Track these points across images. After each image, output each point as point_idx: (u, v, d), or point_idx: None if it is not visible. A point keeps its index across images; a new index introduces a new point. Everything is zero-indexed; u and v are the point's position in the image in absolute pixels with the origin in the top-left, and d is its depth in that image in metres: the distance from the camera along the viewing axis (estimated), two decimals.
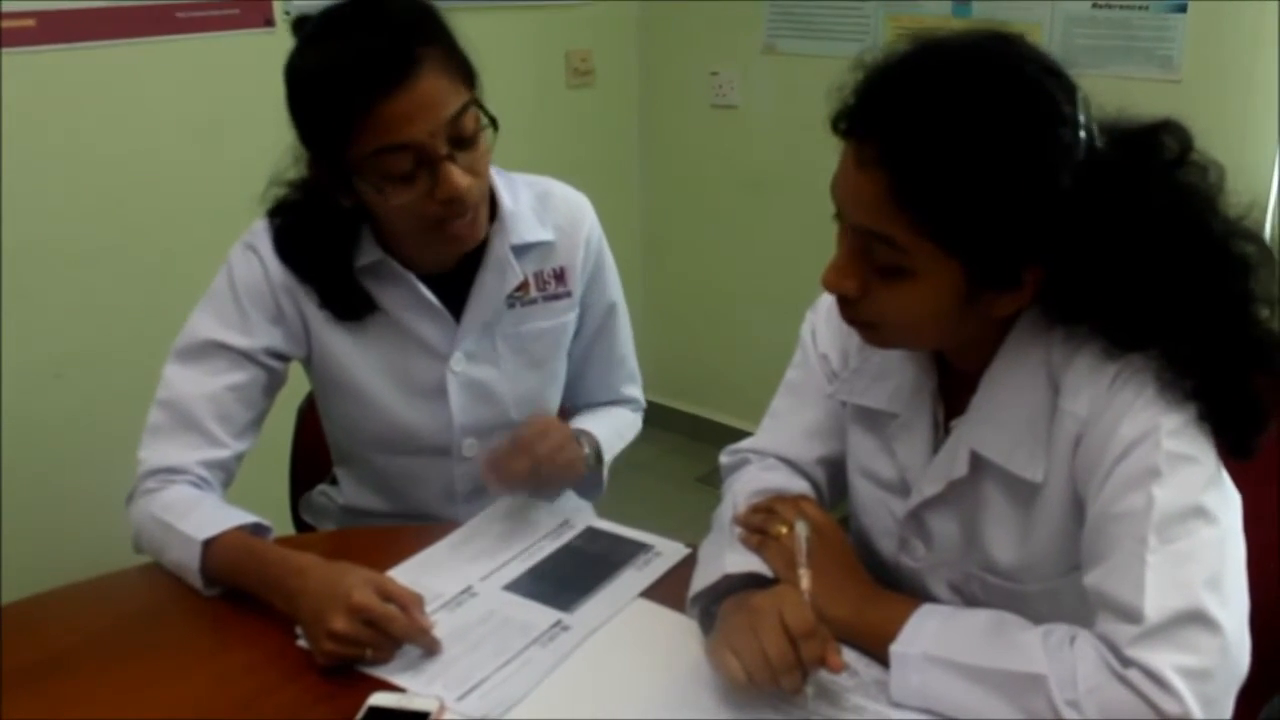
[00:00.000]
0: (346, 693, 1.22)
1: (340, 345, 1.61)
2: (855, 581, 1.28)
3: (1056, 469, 1.15)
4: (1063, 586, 1.19)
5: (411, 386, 1.63)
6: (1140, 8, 2.76)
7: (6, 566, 2.47)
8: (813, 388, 1.44)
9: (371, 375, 1.62)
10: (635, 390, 1.88)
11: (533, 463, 1.49)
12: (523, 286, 1.65)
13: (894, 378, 1.31)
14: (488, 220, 1.57)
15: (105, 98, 2.60)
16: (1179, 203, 1.09)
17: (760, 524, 1.32)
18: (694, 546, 1.48)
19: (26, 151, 2.47)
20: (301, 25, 1.45)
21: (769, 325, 3.55)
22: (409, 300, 1.59)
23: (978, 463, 1.21)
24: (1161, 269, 1.08)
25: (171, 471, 1.51)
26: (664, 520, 1.77)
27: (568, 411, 1.86)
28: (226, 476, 1.57)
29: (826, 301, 1.44)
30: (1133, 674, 1.02)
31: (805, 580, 1.20)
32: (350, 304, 1.58)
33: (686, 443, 3.85)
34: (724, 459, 1.52)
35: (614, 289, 1.78)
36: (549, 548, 1.53)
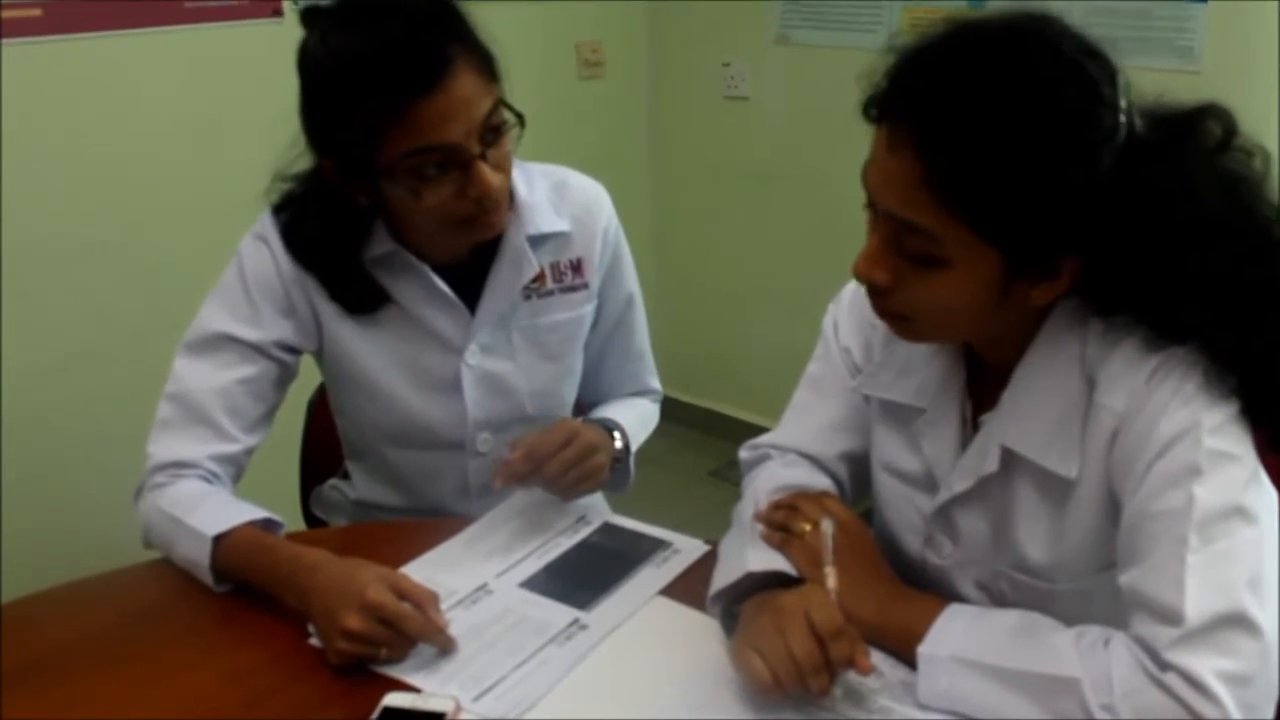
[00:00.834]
0: (360, 692, 1.21)
1: (352, 338, 1.58)
2: (881, 581, 1.25)
3: (1091, 465, 1.13)
4: (1094, 586, 1.17)
5: (425, 380, 1.61)
6: None
7: (11, 563, 2.46)
8: (835, 381, 1.41)
9: (384, 368, 1.60)
10: (652, 379, 1.87)
11: (544, 480, 1.47)
12: (539, 278, 1.62)
13: (920, 371, 1.29)
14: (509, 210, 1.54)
15: (111, 89, 2.58)
16: (1223, 189, 1.06)
17: (783, 521, 1.29)
18: (712, 543, 1.45)
19: (30, 143, 2.45)
20: (313, 17, 1.41)
21: (780, 318, 3.55)
22: (423, 292, 1.57)
23: (1009, 459, 1.18)
24: (1205, 257, 1.05)
25: (181, 466, 1.49)
26: (676, 515, 1.75)
27: (585, 406, 1.84)
28: (236, 471, 1.55)
29: (848, 293, 1.42)
30: (1171, 678, 0.99)
31: (832, 579, 1.17)
32: (361, 297, 1.56)
33: (698, 437, 3.84)
34: (744, 454, 1.50)
35: (631, 281, 1.76)
36: (565, 544, 1.51)
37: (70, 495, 2.61)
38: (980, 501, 1.23)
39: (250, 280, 1.55)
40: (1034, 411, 1.16)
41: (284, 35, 1.39)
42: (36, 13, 2.40)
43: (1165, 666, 1.00)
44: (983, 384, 1.24)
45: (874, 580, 1.25)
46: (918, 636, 1.15)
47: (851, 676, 1.14)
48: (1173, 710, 0.99)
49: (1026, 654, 1.09)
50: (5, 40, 2.36)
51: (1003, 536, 1.22)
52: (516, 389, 1.64)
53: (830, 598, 1.14)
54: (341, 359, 1.60)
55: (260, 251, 1.56)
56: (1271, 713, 1.02)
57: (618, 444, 1.61)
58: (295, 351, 1.59)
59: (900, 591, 1.25)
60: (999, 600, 1.24)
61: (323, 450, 1.92)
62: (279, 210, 1.57)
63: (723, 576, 1.28)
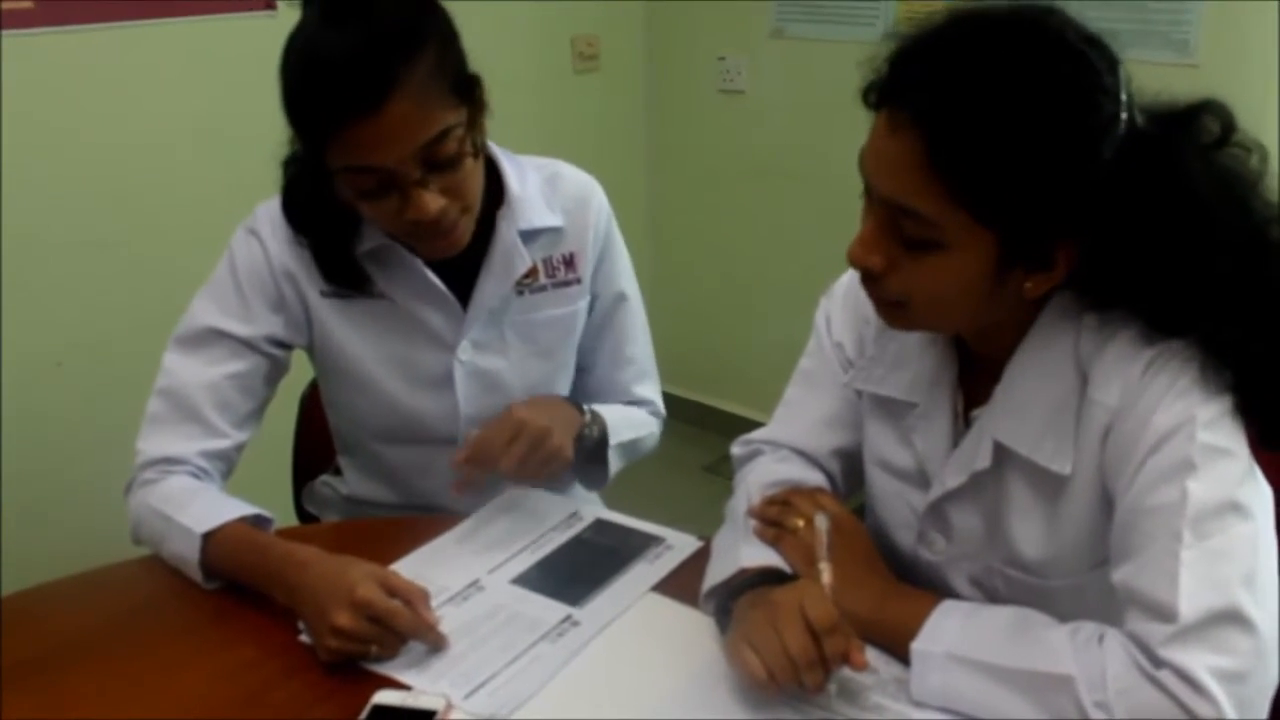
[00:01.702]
0: (350, 690, 1.20)
1: (343, 332, 1.57)
2: (875, 577, 1.25)
3: (1084, 460, 1.12)
4: (1088, 582, 1.16)
5: (417, 375, 1.60)
6: None
7: (4, 559, 2.45)
8: (827, 377, 1.41)
9: (375, 363, 1.59)
10: (648, 390, 1.81)
11: (500, 470, 1.45)
12: (531, 273, 1.61)
13: (912, 366, 1.28)
14: (490, 207, 1.53)
15: (105, 82, 2.56)
16: (1220, 184, 1.06)
17: (776, 517, 1.29)
18: (705, 538, 1.45)
19: (23, 136, 2.44)
20: (306, 6, 1.39)
21: (777, 312, 3.54)
22: (415, 287, 1.55)
23: (1001, 454, 1.17)
24: (1200, 251, 1.05)
25: (170, 462, 1.48)
26: (671, 510, 1.75)
27: None
28: (227, 467, 1.55)
29: (841, 288, 1.41)
30: (1165, 675, 0.99)
31: (827, 574, 1.17)
32: (350, 278, 1.54)
33: (694, 431, 3.83)
34: (736, 450, 1.49)
35: (624, 279, 1.73)
36: (558, 540, 1.50)
37: (66, 490, 2.60)
38: (973, 497, 1.22)
39: (241, 274, 1.54)
40: (1027, 406, 1.15)
41: (277, 28, 1.37)
42: (28, 5, 2.38)
43: (1159, 663, 1.00)
44: (975, 378, 1.24)
45: (868, 576, 1.24)
46: (912, 633, 1.14)
47: (846, 673, 1.13)
48: (1167, 707, 0.98)
49: (1020, 651, 1.08)
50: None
51: (996, 532, 1.21)
52: (509, 385, 1.63)
53: (825, 593, 1.13)
54: (333, 354, 1.59)
55: (251, 245, 1.55)
56: (1267, 709, 1.01)
57: (586, 418, 1.59)
58: (286, 347, 1.58)
59: (894, 588, 1.24)
60: (993, 596, 1.24)
61: (315, 445, 1.91)
62: (285, 168, 1.55)
63: (716, 573, 1.28)
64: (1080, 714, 1.02)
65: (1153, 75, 1.07)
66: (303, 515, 1.92)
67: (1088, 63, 1.03)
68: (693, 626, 1.30)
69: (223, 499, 1.46)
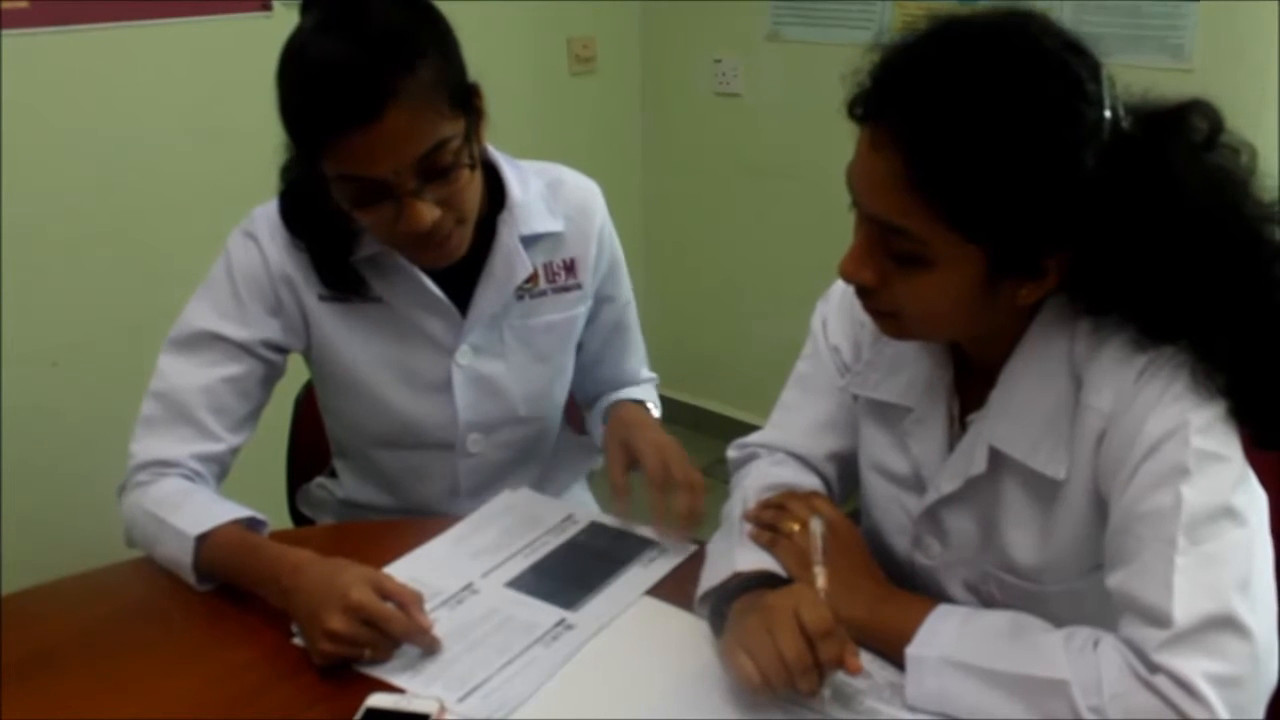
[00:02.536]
0: (343, 693, 1.20)
1: (341, 337, 1.57)
2: (869, 581, 1.25)
3: (1079, 466, 1.12)
4: (1083, 587, 1.16)
5: (415, 380, 1.60)
6: None
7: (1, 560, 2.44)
8: (823, 380, 1.40)
9: (373, 369, 1.59)
10: (646, 369, 1.87)
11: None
12: (532, 278, 1.60)
13: (908, 370, 1.28)
14: (491, 212, 1.52)
15: (100, 82, 2.56)
16: (1210, 185, 1.05)
17: (771, 521, 1.29)
18: (700, 542, 1.45)
19: (18, 137, 2.43)
20: (305, 10, 1.38)
21: (772, 315, 3.54)
22: (413, 292, 1.55)
23: (997, 459, 1.17)
24: (1192, 255, 1.04)
25: (164, 464, 1.48)
26: None
27: (577, 404, 1.83)
28: (221, 470, 1.54)
29: (837, 291, 1.41)
30: (1160, 680, 0.99)
31: (821, 579, 1.17)
32: (349, 282, 1.54)
33: (689, 434, 3.81)
34: (731, 453, 1.49)
35: (625, 285, 1.75)
36: (552, 543, 1.50)
37: (61, 490, 2.60)
38: (968, 502, 1.22)
39: (238, 277, 1.53)
40: (1022, 412, 1.15)
41: (273, 29, 1.38)
42: (23, 4, 2.38)
43: (1154, 668, 1.00)
44: (971, 383, 1.24)
45: (863, 580, 1.24)
46: (906, 637, 1.14)
47: (840, 677, 1.13)
48: (1162, 712, 0.98)
49: (1015, 656, 1.08)
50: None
51: (990, 537, 1.21)
52: (508, 390, 1.63)
53: (820, 598, 1.13)
54: (330, 358, 1.59)
55: (248, 248, 1.54)
56: (1261, 714, 1.01)
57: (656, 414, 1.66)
58: (282, 350, 1.57)
59: (889, 592, 1.24)
60: (988, 602, 1.24)
61: (310, 447, 1.91)
62: (284, 174, 1.55)
63: (711, 576, 1.27)
64: (1075, 719, 1.02)
65: (1147, 80, 1.07)
66: (298, 517, 1.91)
67: (1068, 71, 1.02)
68: (687, 630, 1.29)
69: (216, 501, 1.45)
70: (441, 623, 1.30)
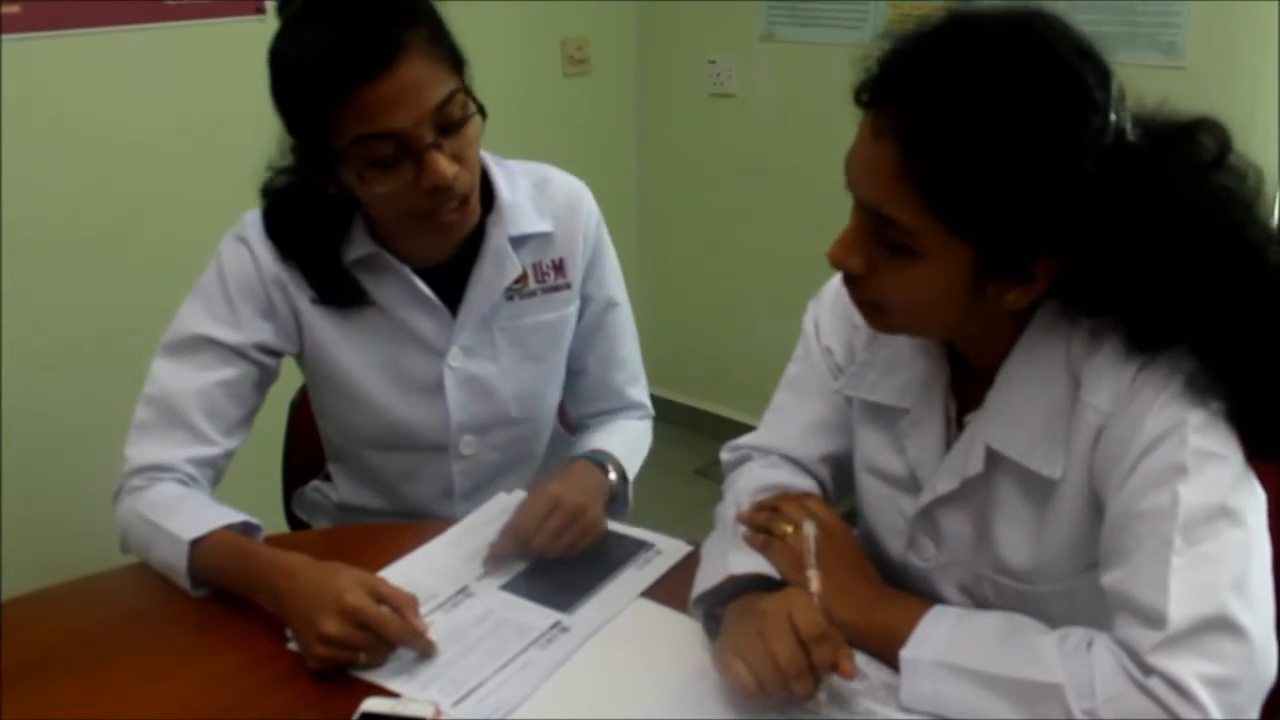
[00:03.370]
0: (339, 697, 1.20)
1: (333, 340, 1.57)
2: (864, 583, 1.25)
3: (1075, 465, 1.12)
4: (1077, 587, 1.16)
5: (407, 382, 1.60)
6: None
7: None
8: (816, 382, 1.40)
9: (366, 371, 1.59)
10: (640, 393, 1.82)
11: (535, 547, 1.43)
12: (521, 279, 1.61)
13: (904, 372, 1.28)
14: (480, 209, 1.52)
15: (93, 86, 2.56)
16: (1214, 205, 1.05)
17: (765, 523, 1.29)
18: (695, 544, 1.45)
19: (11, 140, 2.43)
20: (285, 6, 1.40)
21: (768, 316, 3.54)
22: (404, 294, 1.55)
23: (993, 459, 1.17)
24: (1187, 270, 1.04)
25: (158, 469, 1.48)
26: (662, 513, 1.75)
27: (571, 422, 1.82)
28: (215, 474, 1.54)
29: (829, 293, 1.41)
30: (1154, 683, 0.98)
31: (814, 582, 1.16)
32: (341, 292, 1.54)
33: (685, 435, 3.83)
34: (725, 455, 1.49)
35: (614, 284, 1.73)
36: None
37: (56, 494, 2.59)
38: (963, 503, 1.22)
39: (230, 281, 1.53)
40: (1019, 412, 1.15)
41: (266, 33, 1.37)
42: (15, 9, 2.37)
43: (1148, 670, 0.99)
44: (967, 384, 1.23)
45: (857, 582, 1.24)
46: (901, 639, 1.14)
47: (835, 680, 1.13)
48: (1155, 715, 0.98)
49: (1009, 658, 1.08)
50: None
51: (985, 539, 1.21)
52: (499, 391, 1.63)
53: (813, 601, 1.13)
54: (323, 361, 1.59)
55: (240, 252, 1.54)
56: (1256, 715, 1.01)
57: (612, 476, 1.59)
58: (275, 354, 1.57)
59: (883, 594, 1.24)
60: (982, 603, 1.23)
61: (305, 451, 1.91)
62: (264, 195, 1.56)
63: (705, 579, 1.27)
64: None
65: (1140, 78, 1.06)
66: (293, 521, 1.91)
67: (1075, 76, 1.01)
68: (682, 632, 1.29)
69: (211, 506, 1.45)
70: (437, 626, 1.30)
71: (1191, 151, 1.06)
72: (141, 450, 1.49)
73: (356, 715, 1.14)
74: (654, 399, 1.85)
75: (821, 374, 1.39)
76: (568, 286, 1.65)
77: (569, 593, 1.38)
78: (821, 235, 1.17)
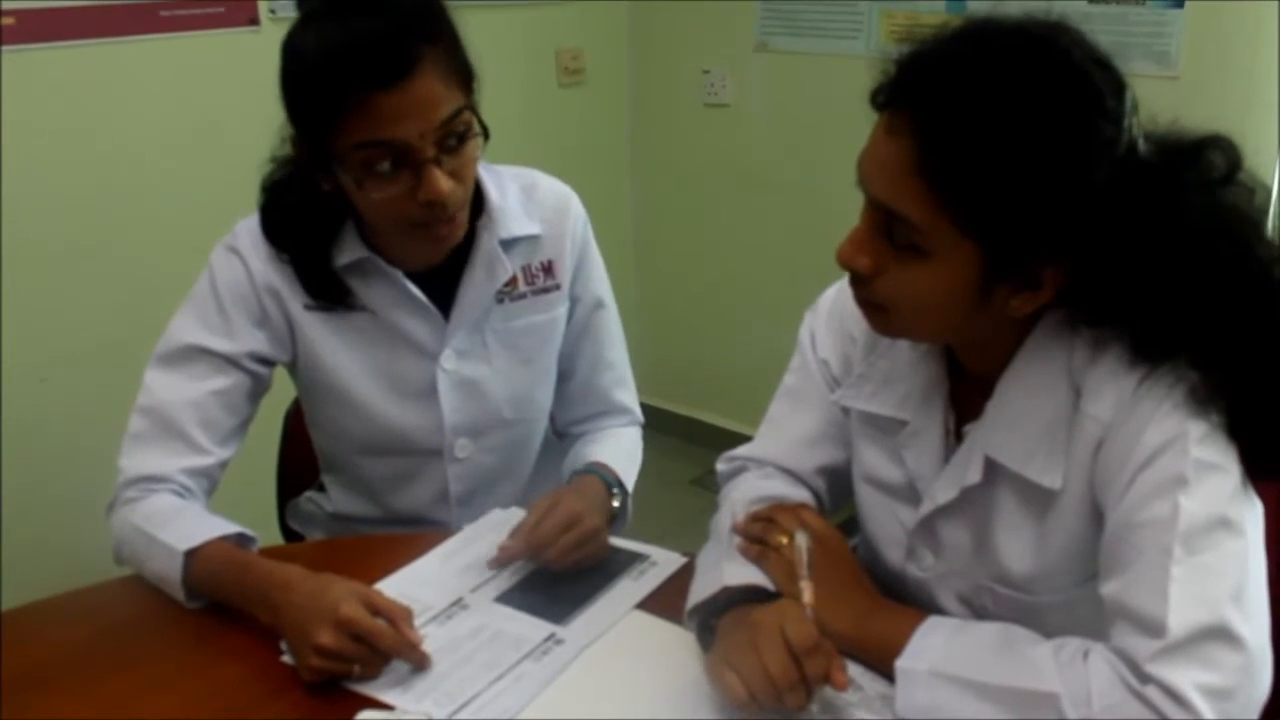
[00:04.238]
0: (333, 710, 1.20)
1: (326, 346, 1.57)
2: (858, 593, 1.24)
3: (1075, 475, 1.12)
4: (1076, 598, 1.16)
5: (401, 387, 1.60)
6: (1136, 2, 2.73)
7: None
8: (812, 394, 1.40)
9: (359, 376, 1.59)
10: (629, 398, 1.82)
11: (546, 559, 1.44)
12: (511, 281, 1.61)
13: (903, 383, 1.28)
14: (469, 218, 1.52)
15: (87, 98, 2.55)
16: (1222, 222, 1.05)
17: (760, 534, 1.28)
18: (690, 555, 1.44)
19: (7, 152, 2.43)
20: (305, 1, 1.40)
21: (763, 325, 3.54)
22: (396, 298, 1.55)
23: (992, 469, 1.17)
24: (1193, 284, 1.05)
25: (153, 480, 1.47)
26: (658, 523, 1.74)
27: (558, 428, 1.82)
28: (210, 484, 1.54)
29: (825, 304, 1.41)
30: (1151, 691, 0.98)
31: (807, 593, 1.16)
32: (333, 289, 1.55)
33: (680, 445, 3.82)
34: (720, 466, 1.49)
35: (601, 286, 1.74)
36: None
37: (51, 507, 2.59)
38: (963, 513, 1.22)
39: (222, 291, 1.53)
40: (1019, 421, 1.15)
41: (260, 44, 1.38)
42: (9, 21, 2.37)
43: (1145, 679, 0.99)
44: (967, 394, 1.23)
45: (851, 593, 1.24)
46: (896, 650, 1.14)
47: (828, 691, 1.13)
48: None
49: (1005, 668, 1.08)
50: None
51: (984, 549, 1.21)
52: (493, 393, 1.63)
53: (806, 613, 1.13)
54: (316, 368, 1.59)
55: (232, 262, 1.54)
56: None
57: (616, 504, 1.58)
58: (268, 363, 1.58)
59: (878, 604, 1.24)
60: (981, 614, 1.23)
61: (300, 463, 1.90)
62: (263, 190, 1.56)
63: (699, 590, 1.27)
64: None
65: (1134, 88, 1.07)
66: (287, 533, 1.91)
67: (1090, 85, 1.02)
68: (677, 644, 1.29)
69: (206, 517, 1.45)
70: (431, 638, 1.29)
71: (1201, 167, 1.07)
72: (136, 461, 1.49)
73: None
74: (649, 409, 1.85)
75: (818, 385, 1.39)
76: (557, 288, 1.66)
77: (563, 605, 1.38)
78: (816, 244, 1.18)
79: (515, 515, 1.57)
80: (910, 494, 1.28)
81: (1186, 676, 0.98)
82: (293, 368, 1.63)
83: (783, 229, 3.53)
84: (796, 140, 3.41)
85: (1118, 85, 1.05)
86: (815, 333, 1.40)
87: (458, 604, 1.39)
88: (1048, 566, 1.17)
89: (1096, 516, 1.12)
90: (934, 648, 1.13)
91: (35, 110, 2.46)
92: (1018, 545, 1.18)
